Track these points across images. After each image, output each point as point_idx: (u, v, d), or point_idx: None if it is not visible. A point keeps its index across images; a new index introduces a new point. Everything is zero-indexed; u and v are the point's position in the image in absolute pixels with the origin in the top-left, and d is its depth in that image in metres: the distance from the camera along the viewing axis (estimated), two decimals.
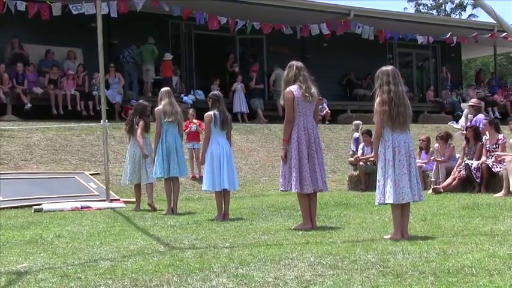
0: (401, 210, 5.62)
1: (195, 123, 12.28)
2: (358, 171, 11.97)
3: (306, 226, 6.42)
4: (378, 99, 5.65)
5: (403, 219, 5.65)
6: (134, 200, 9.39)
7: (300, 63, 6.66)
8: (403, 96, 5.66)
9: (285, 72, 6.65)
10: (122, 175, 9.87)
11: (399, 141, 5.59)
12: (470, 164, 10.28)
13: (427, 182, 11.25)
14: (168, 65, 17.27)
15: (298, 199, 6.62)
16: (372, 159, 10.47)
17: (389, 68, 5.75)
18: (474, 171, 10.22)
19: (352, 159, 12.24)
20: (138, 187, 9.28)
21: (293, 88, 6.51)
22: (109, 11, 14.48)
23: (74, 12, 14.81)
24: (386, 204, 5.66)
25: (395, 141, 5.59)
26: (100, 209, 9.11)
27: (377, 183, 5.68)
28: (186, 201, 10.25)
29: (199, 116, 11.06)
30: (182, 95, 16.96)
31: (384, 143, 5.64)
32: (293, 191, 6.52)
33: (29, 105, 14.75)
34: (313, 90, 6.54)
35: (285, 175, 6.52)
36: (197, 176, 11.96)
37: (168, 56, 17.24)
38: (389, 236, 5.59)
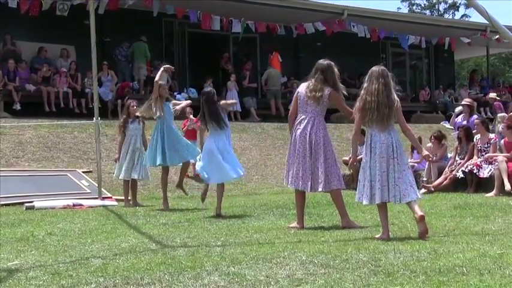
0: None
1: (192, 121, 12.25)
2: (351, 171, 11.96)
3: (297, 225, 6.45)
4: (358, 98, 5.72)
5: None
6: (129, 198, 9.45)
7: (320, 64, 6.57)
8: (382, 94, 5.57)
9: None
10: (114, 173, 9.88)
11: (375, 142, 5.60)
12: (462, 171, 10.29)
13: (419, 181, 11.28)
14: (148, 64, 17.31)
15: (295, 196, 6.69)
16: None
17: (373, 68, 5.76)
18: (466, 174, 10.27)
19: (347, 158, 12.22)
20: (127, 183, 9.39)
21: (302, 84, 6.62)
22: (97, 7, 14.43)
23: (58, 13, 14.81)
24: (366, 204, 5.71)
25: (372, 142, 5.61)
26: (92, 207, 9.09)
27: (358, 182, 5.75)
28: (179, 200, 10.24)
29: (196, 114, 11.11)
30: (175, 93, 16.95)
31: (366, 143, 5.68)
32: (288, 186, 6.61)
33: (18, 106, 14.71)
34: (319, 93, 6.42)
35: (286, 169, 6.63)
36: (190, 175, 11.93)
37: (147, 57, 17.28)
38: (378, 236, 5.62)
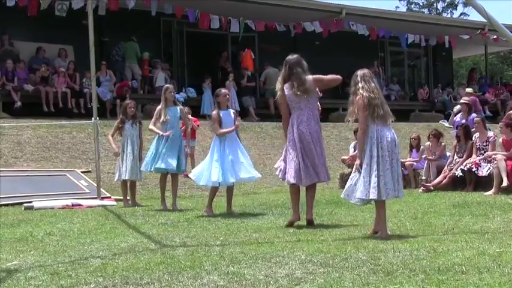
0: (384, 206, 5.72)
1: (191, 121, 12.23)
2: (350, 169, 11.96)
3: (292, 219, 6.53)
4: (357, 98, 5.72)
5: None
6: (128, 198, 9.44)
7: (293, 60, 6.67)
8: (380, 92, 5.79)
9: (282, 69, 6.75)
10: (113, 172, 9.88)
11: (382, 137, 5.62)
12: (461, 169, 10.29)
13: (418, 180, 11.28)
14: (145, 63, 17.23)
15: (289, 190, 6.76)
16: None
17: (360, 72, 5.83)
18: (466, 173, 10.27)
19: (346, 157, 12.22)
20: (125, 183, 9.37)
21: (285, 87, 6.61)
22: (97, 7, 14.40)
23: (57, 13, 14.80)
24: (374, 198, 5.67)
25: (379, 137, 5.63)
26: (91, 207, 9.08)
27: (361, 179, 5.66)
28: (178, 199, 10.22)
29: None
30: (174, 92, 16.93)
31: (371, 139, 5.66)
32: (285, 180, 6.66)
33: (19, 103, 14.70)
34: (307, 85, 6.53)
35: (282, 167, 6.66)
36: (189, 174, 11.91)
37: (145, 55, 17.21)
38: (377, 234, 5.63)
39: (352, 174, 5.82)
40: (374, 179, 5.56)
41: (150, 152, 8.81)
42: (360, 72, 5.82)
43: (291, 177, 6.52)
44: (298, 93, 6.50)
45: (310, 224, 6.52)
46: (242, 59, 18.88)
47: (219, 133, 7.89)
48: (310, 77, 6.61)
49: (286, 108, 6.61)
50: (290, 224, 6.48)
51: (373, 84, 5.72)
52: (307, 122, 6.53)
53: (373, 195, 5.56)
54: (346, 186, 5.84)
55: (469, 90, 16.41)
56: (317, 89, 6.70)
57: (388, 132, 5.67)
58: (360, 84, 5.72)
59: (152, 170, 8.81)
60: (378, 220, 5.77)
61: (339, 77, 6.76)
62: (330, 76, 6.77)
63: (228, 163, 7.78)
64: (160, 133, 8.64)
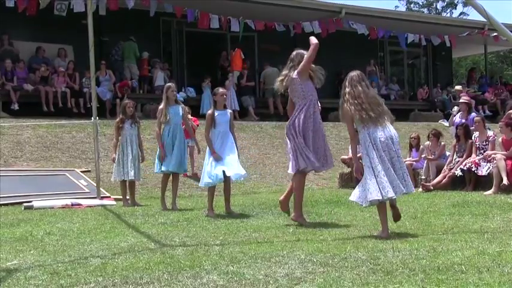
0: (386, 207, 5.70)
1: (190, 120, 12.23)
2: (350, 169, 11.95)
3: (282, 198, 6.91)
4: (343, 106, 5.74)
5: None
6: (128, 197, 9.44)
7: (291, 55, 6.82)
8: (369, 95, 5.71)
9: None
10: (112, 172, 9.87)
11: (375, 138, 5.60)
12: (460, 169, 10.29)
13: (418, 180, 11.29)
14: (144, 63, 17.22)
15: None
16: None
17: (352, 74, 5.82)
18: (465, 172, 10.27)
19: (346, 157, 12.22)
20: (124, 183, 9.37)
21: None
22: (97, 8, 14.40)
23: (56, 12, 14.80)
24: (383, 200, 5.62)
25: (371, 139, 5.60)
26: (90, 207, 9.08)
27: (368, 181, 5.62)
28: (177, 199, 10.22)
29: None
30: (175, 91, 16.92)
31: (365, 142, 5.63)
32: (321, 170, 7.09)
33: (16, 106, 14.70)
34: (279, 80, 6.70)
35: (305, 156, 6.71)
36: (188, 174, 11.93)
37: (145, 55, 17.20)
38: (377, 234, 5.62)
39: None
40: (384, 178, 5.52)
41: (158, 154, 8.85)
42: (348, 76, 5.80)
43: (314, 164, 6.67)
44: (281, 86, 6.71)
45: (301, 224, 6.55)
46: (232, 59, 18.84)
47: (206, 135, 7.88)
48: (294, 71, 6.66)
49: (290, 104, 6.80)
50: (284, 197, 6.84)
51: (360, 88, 5.66)
52: (294, 114, 6.62)
53: (389, 193, 5.51)
54: (357, 191, 5.75)
55: (458, 87, 16.36)
56: (309, 76, 6.71)
57: (381, 132, 5.61)
58: (346, 89, 5.70)
59: (163, 170, 8.83)
60: (385, 218, 5.72)
61: (312, 44, 6.76)
62: (307, 55, 6.71)
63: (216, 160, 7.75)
64: (160, 144, 8.74)
